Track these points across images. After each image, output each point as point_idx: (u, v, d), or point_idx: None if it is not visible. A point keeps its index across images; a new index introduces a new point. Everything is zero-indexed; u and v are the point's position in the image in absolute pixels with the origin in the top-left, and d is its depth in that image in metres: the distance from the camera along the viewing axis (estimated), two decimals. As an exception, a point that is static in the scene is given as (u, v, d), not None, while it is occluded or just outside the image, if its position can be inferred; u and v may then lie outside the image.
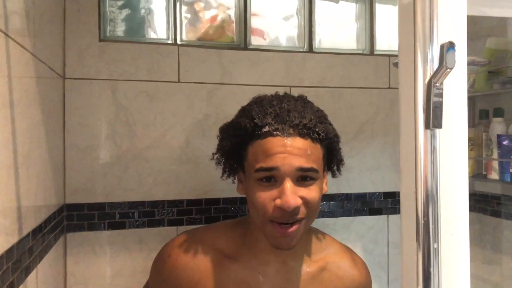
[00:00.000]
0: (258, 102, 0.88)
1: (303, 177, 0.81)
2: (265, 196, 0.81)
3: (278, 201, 0.79)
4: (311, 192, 0.82)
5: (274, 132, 0.80)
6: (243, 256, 0.91)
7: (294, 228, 0.81)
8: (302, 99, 0.90)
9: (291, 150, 0.79)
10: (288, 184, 0.79)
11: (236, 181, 0.93)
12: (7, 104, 0.68)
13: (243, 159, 0.87)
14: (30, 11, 0.82)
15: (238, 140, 0.86)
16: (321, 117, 0.87)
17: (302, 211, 0.81)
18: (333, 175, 0.94)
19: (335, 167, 0.93)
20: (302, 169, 0.80)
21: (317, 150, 0.83)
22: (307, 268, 0.91)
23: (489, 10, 0.58)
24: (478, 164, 1.39)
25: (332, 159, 0.91)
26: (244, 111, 0.88)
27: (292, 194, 0.79)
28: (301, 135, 0.80)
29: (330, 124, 0.89)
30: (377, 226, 1.46)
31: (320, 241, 0.96)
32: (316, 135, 0.82)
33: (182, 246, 0.94)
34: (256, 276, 0.89)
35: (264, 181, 0.81)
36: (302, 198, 0.81)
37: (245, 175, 0.87)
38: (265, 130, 0.81)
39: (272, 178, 0.81)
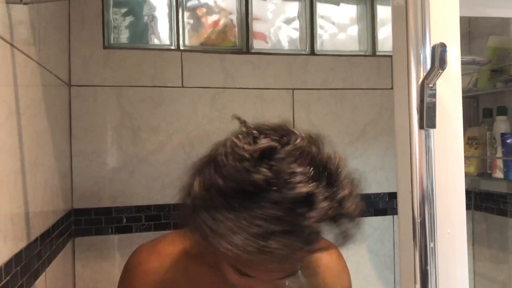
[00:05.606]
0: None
1: None
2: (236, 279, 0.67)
3: None
4: None
5: (261, 274, 0.62)
6: (210, 256, 0.80)
7: None
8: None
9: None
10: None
11: None
12: (14, 112, 0.70)
13: None
14: (34, 21, 0.83)
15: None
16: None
17: None
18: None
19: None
20: None
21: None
22: None
23: (483, 10, 0.59)
24: (483, 163, 1.39)
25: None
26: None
27: None
28: (286, 277, 0.65)
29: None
30: (383, 226, 1.46)
31: None
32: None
33: (150, 252, 0.86)
34: (224, 279, 0.82)
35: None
36: None
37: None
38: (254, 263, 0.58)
39: None
